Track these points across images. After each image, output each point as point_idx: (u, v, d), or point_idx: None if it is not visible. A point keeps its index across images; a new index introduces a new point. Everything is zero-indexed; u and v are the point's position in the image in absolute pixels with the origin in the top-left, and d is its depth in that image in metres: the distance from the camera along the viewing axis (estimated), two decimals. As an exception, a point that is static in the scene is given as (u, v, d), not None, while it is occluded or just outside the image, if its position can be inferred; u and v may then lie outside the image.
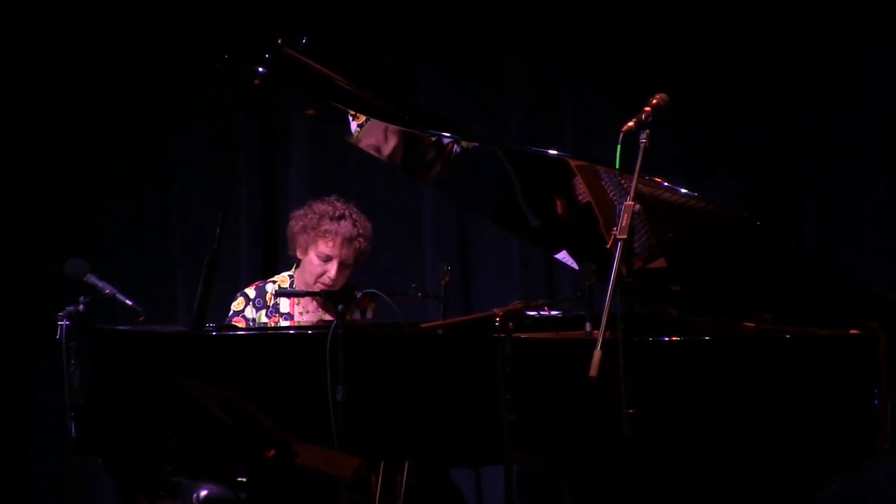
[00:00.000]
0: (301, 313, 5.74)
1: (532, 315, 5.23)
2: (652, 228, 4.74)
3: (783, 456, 4.62)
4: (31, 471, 6.91)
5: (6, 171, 6.89)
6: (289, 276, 5.76)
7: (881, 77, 6.54)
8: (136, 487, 5.07)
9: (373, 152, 5.35)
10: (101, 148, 6.89)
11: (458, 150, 5.12)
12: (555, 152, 4.92)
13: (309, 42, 5.13)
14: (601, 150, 6.16)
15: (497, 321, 4.65)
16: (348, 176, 6.75)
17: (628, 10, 6.69)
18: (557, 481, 4.90)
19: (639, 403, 4.11)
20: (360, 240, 5.62)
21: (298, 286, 5.68)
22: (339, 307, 4.90)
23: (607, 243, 4.15)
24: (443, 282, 5.43)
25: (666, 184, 4.58)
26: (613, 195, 4.70)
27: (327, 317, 5.67)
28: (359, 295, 5.20)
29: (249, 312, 5.69)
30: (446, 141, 5.13)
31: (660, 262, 4.85)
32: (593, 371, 3.97)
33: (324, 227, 5.58)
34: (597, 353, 3.98)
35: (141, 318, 5.28)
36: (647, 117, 4.24)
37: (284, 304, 5.72)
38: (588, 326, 4.93)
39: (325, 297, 5.56)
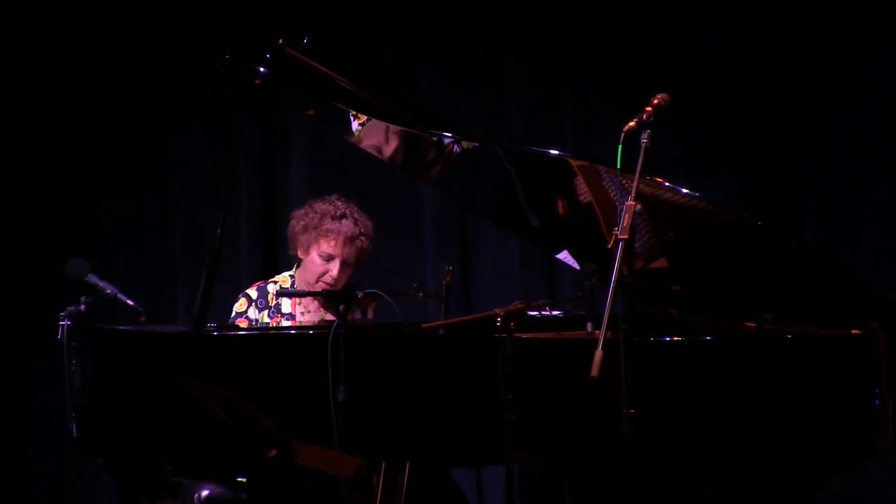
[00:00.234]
0: (303, 313, 5.74)
1: (533, 315, 5.23)
2: (653, 228, 4.73)
3: (784, 456, 4.62)
4: (31, 471, 6.91)
5: (6, 171, 6.89)
6: (290, 275, 5.76)
7: (881, 77, 6.54)
8: (136, 487, 5.07)
9: (374, 152, 5.36)
10: (101, 148, 6.89)
11: (458, 150, 5.12)
12: (556, 152, 4.91)
13: (309, 42, 5.13)
14: (601, 150, 6.17)
15: (498, 321, 4.65)
16: (348, 176, 6.75)
17: (628, 10, 6.68)
18: (558, 481, 4.90)
19: (640, 403, 4.11)
20: (362, 239, 5.62)
21: (300, 286, 5.68)
22: (341, 307, 4.91)
23: (608, 243, 4.15)
24: (444, 282, 5.43)
25: (667, 184, 4.58)
26: (614, 195, 4.70)
27: (329, 317, 5.66)
28: (360, 295, 5.20)
29: (252, 313, 5.69)
30: (447, 141, 5.13)
31: (661, 263, 4.84)
32: (594, 371, 3.98)
33: (325, 227, 5.58)
34: (598, 353, 3.99)
35: (142, 319, 5.28)
36: (648, 117, 4.25)
37: (286, 305, 5.72)
38: (589, 326, 4.93)
39: (327, 297, 5.56)
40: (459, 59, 6.83)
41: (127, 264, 6.64)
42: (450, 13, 6.80)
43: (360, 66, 6.48)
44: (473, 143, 5.12)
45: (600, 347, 3.99)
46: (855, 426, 4.58)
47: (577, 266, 5.47)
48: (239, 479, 5.29)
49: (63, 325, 5.12)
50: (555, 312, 5.34)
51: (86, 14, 6.83)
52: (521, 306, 4.80)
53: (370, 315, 5.78)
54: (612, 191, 4.72)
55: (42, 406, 6.77)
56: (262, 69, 5.04)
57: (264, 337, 5.17)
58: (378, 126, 5.18)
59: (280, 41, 5.06)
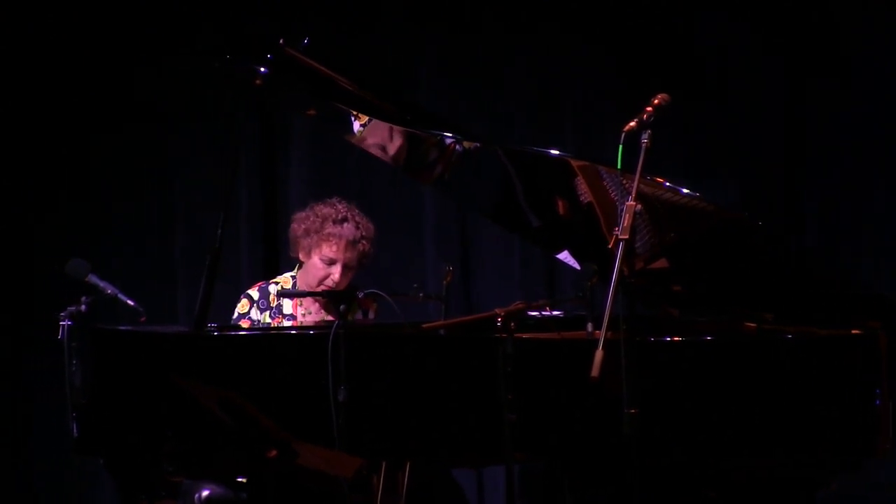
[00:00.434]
0: (304, 314, 5.74)
1: (533, 315, 5.23)
2: (653, 229, 4.73)
3: (784, 456, 4.62)
4: (31, 471, 6.91)
5: (6, 171, 6.89)
6: (291, 276, 5.76)
7: (881, 77, 6.53)
8: (136, 487, 5.07)
9: (376, 152, 5.35)
10: (101, 148, 6.88)
11: (459, 150, 5.12)
12: (556, 152, 4.91)
13: (310, 42, 5.13)
14: (602, 150, 6.17)
15: (498, 321, 4.65)
16: (348, 176, 6.75)
17: (628, 10, 6.68)
18: (558, 481, 4.90)
19: (640, 403, 4.11)
20: (364, 242, 5.62)
21: (301, 288, 5.67)
22: (341, 307, 4.90)
23: (609, 243, 4.15)
24: (444, 282, 5.43)
25: (667, 184, 4.57)
26: (615, 195, 4.70)
27: (330, 317, 5.66)
28: (361, 295, 5.20)
29: (255, 314, 5.69)
30: (448, 141, 5.12)
31: (661, 263, 4.84)
32: (595, 371, 3.98)
33: (327, 231, 5.58)
34: (598, 354, 3.99)
35: (142, 319, 5.28)
36: (648, 117, 4.25)
37: (287, 305, 5.72)
38: (590, 327, 4.93)
39: (327, 298, 5.56)
40: (459, 59, 6.82)
41: (127, 264, 6.63)
42: (450, 13, 6.80)
43: (360, 66, 6.47)
44: (474, 144, 5.12)
45: (601, 347, 3.99)
46: (855, 426, 4.58)
47: (577, 266, 5.47)
48: (239, 480, 5.29)
49: (63, 326, 5.12)
50: (555, 313, 5.34)
51: (86, 14, 6.83)
52: (521, 306, 4.80)
53: (371, 315, 5.78)
54: (613, 191, 4.72)
55: (42, 406, 6.77)
56: (262, 69, 5.04)
57: (264, 337, 5.17)
58: (380, 126, 5.18)
59: (280, 41, 5.06)
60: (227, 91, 6.12)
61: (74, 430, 5.00)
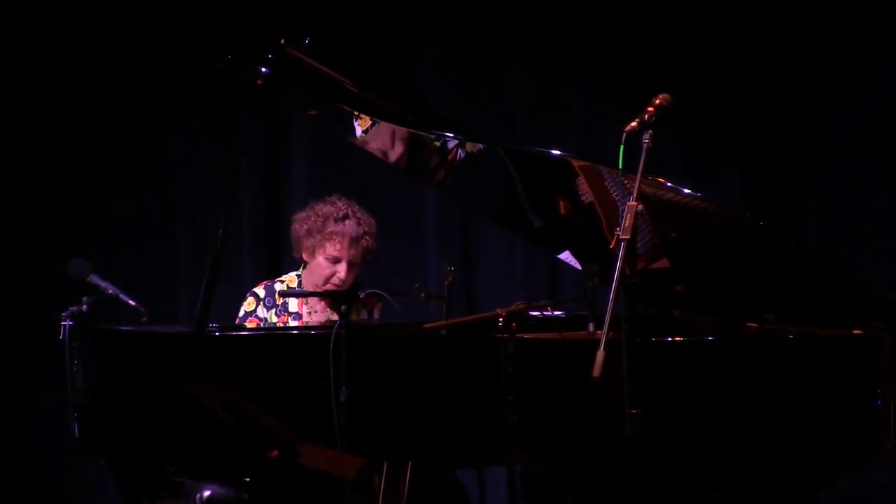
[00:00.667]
0: (309, 313, 5.73)
1: (535, 315, 5.23)
2: (655, 229, 4.73)
3: (786, 456, 4.62)
4: (31, 471, 6.90)
5: (6, 171, 6.88)
6: (296, 275, 5.76)
7: (881, 77, 6.53)
8: (138, 488, 5.07)
9: (379, 156, 5.35)
10: (101, 148, 6.88)
11: (461, 155, 5.12)
12: (557, 152, 4.91)
13: (311, 42, 5.12)
14: (602, 150, 6.17)
15: (500, 321, 4.66)
16: (350, 176, 6.74)
17: (628, 10, 6.68)
18: (560, 481, 4.89)
19: (642, 404, 4.11)
20: (367, 238, 5.62)
21: (307, 288, 5.66)
22: (343, 307, 4.90)
23: (610, 244, 4.14)
24: (446, 282, 5.43)
25: (669, 184, 4.58)
26: (616, 195, 4.70)
27: (335, 317, 5.61)
28: (362, 295, 5.20)
29: (261, 312, 5.68)
30: (450, 146, 5.12)
31: (663, 263, 4.84)
32: (596, 371, 3.97)
33: (329, 230, 5.58)
34: (600, 354, 3.98)
35: (144, 319, 5.27)
36: (650, 117, 4.24)
37: (293, 304, 5.72)
38: (591, 327, 4.93)
39: (329, 298, 5.55)
40: (459, 59, 6.82)
41: (128, 264, 6.63)
42: (450, 13, 6.79)
43: (360, 66, 6.47)
44: (477, 147, 5.11)
45: (602, 348, 3.99)
46: (857, 426, 4.59)
47: (578, 266, 5.47)
48: (241, 480, 5.29)
49: (65, 326, 5.12)
50: (556, 313, 5.34)
51: (86, 14, 6.82)
52: (522, 306, 4.81)
53: (376, 315, 5.78)
54: (614, 191, 4.72)
55: (43, 406, 6.77)
56: (264, 69, 5.03)
57: (266, 337, 5.17)
58: (382, 131, 5.17)
59: (282, 41, 5.06)
60: (227, 91, 6.10)
61: (76, 431, 4.99)
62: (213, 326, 5.07)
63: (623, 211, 4.15)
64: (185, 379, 4.68)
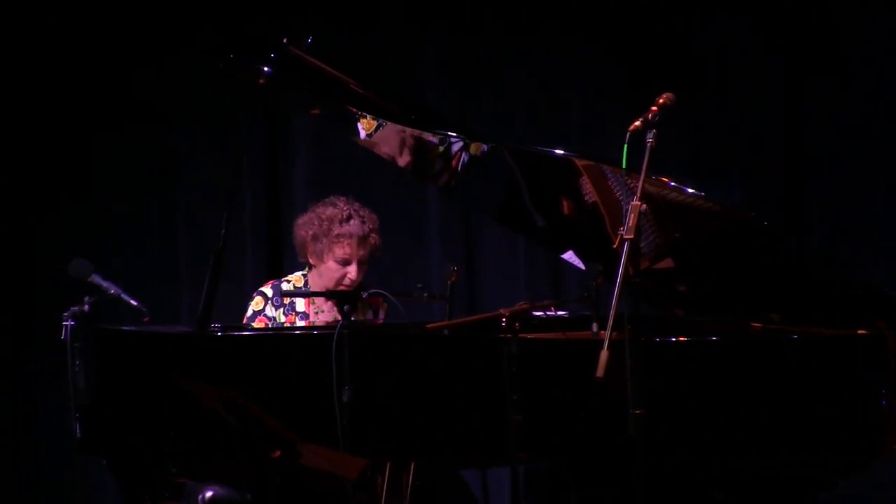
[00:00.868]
0: (316, 313, 5.72)
1: (538, 315, 5.20)
2: (659, 228, 4.73)
3: (790, 456, 4.61)
4: (31, 471, 6.90)
5: (6, 171, 6.88)
6: (302, 275, 5.75)
7: (882, 77, 6.53)
8: (140, 488, 5.06)
9: (387, 158, 5.34)
10: (101, 148, 6.88)
11: (465, 159, 5.12)
12: (561, 152, 4.91)
13: (313, 42, 5.12)
14: (604, 150, 6.17)
15: (503, 321, 4.64)
16: (351, 176, 6.73)
17: (628, 10, 6.67)
18: (563, 481, 4.89)
19: (645, 404, 4.10)
20: (373, 235, 5.62)
21: (316, 290, 5.64)
22: (345, 307, 4.89)
23: (614, 243, 4.13)
24: (448, 282, 5.42)
25: (672, 183, 4.57)
26: (620, 195, 4.68)
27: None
28: (365, 295, 5.19)
29: (270, 311, 5.67)
30: (454, 150, 5.12)
31: (667, 263, 4.84)
32: (600, 372, 3.97)
33: (336, 232, 5.56)
34: (603, 354, 3.98)
35: (146, 319, 5.26)
36: (653, 117, 4.23)
37: (300, 304, 5.71)
38: (595, 327, 4.92)
39: (331, 298, 5.54)
40: (460, 59, 6.81)
41: (130, 264, 6.62)
42: (450, 13, 6.79)
43: (360, 66, 6.46)
44: (480, 149, 5.11)
45: (606, 348, 3.98)
46: (861, 426, 4.58)
47: (582, 266, 5.47)
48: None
49: (66, 326, 5.11)
50: (560, 313, 5.33)
51: (86, 14, 6.82)
52: (526, 306, 4.79)
53: (382, 315, 5.77)
54: (618, 190, 4.71)
55: (43, 406, 6.77)
56: (266, 68, 5.03)
57: (268, 337, 5.16)
58: (388, 133, 5.16)
59: (284, 40, 5.05)
60: (228, 91, 6.11)
61: (77, 431, 4.98)
62: (214, 327, 5.05)
63: (627, 210, 4.14)
64: (187, 379, 4.67)
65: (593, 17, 6.70)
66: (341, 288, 5.55)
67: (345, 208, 5.64)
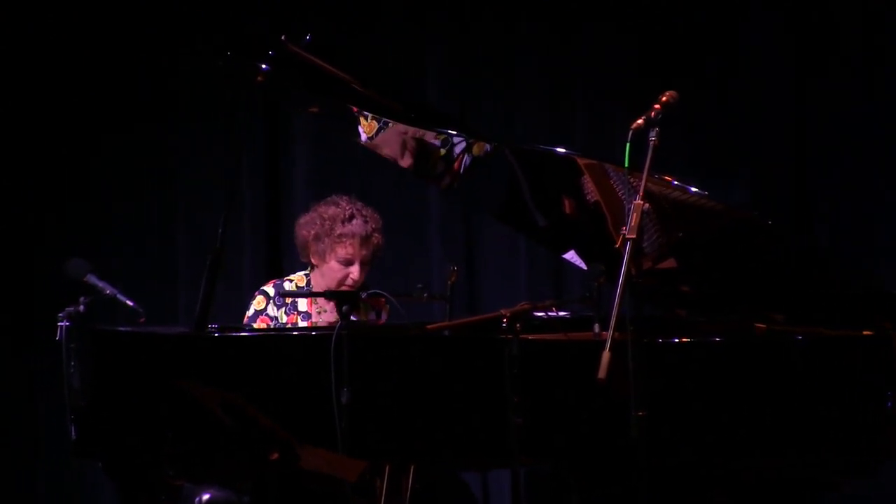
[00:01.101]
0: (319, 313, 5.70)
1: (540, 316, 5.18)
2: (661, 228, 4.71)
3: (794, 457, 4.59)
4: (31, 471, 6.89)
5: (6, 171, 6.88)
6: (304, 275, 5.72)
7: (882, 77, 6.51)
8: (136, 490, 5.03)
9: (390, 160, 5.32)
10: (102, 148, 6.90)
11: (467, 161, 5.10)
12: (563, 150, 4.90)
13: (312, 39, 5.10)
14: (606, 149, 6.15)
15: (504, 322, 4.62)
16: (351, 176, 6.73)
17: (630, 9, 6.66)
18: (565, 483, 4.86)
19: (648, 405, 4.07)
20: (375, 234, 5.59)
21: (318, 290, 5.61)
22: (344, 308, 4.85)
23: (616, 243, 4.12)
24: (449, 282, 5.41)
25: (675, 182, 4.55)
26: (622, 194, 4.66)
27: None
28: (364, 295, 5.17)
29: (272, 310, 5.65)
30: (456, 152, 5.10)
31: (669, 263, 4.81)
32: (602, 373, 3.95)
33: (338, 232, 5.54)
34: (605, 355, 3.96)
35: (142, 319, 5.25)
36: (656, 115, 4.22)
37: (302, 303, 5.69)
38: (597, 327, 4.89)
39: (330, 299, 5.50)
40: (463, 57, 6.81)
41: (128, 264, 6.64)
42: (453, 12, 6.78)
43: (361, 66, 6.44)
44: (483, 149, 5.09)
45: (608, 349, 3.96)
46: (867, 427, 4.56)
47: (584, 266, 5.44)
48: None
49: (62, 326, 5.08)
50: (561, 313, 5.31)
51: (87, 14, 6.83)
52: (527, 307, 4.77)
53: (384, 316, 5.74)
54: (620, 190, 4.69)
55: (43, 407, 6.79)
56: (264, 66, 5.01)
57: (266, 338, 5.13)
58: (390, 135, 5.14)
59: (283, 38, 5.03)
60: (228, 90, 6.12)
61: (72, 433, 4.95)
62: (212, 327, 5.02)
63: (629, 210, 4.12)
64: (184, 380, 4.65)
65: (596, 17, 6.69)
66: (343, 288, 5.52)
67: (347, 208, 5.61)
